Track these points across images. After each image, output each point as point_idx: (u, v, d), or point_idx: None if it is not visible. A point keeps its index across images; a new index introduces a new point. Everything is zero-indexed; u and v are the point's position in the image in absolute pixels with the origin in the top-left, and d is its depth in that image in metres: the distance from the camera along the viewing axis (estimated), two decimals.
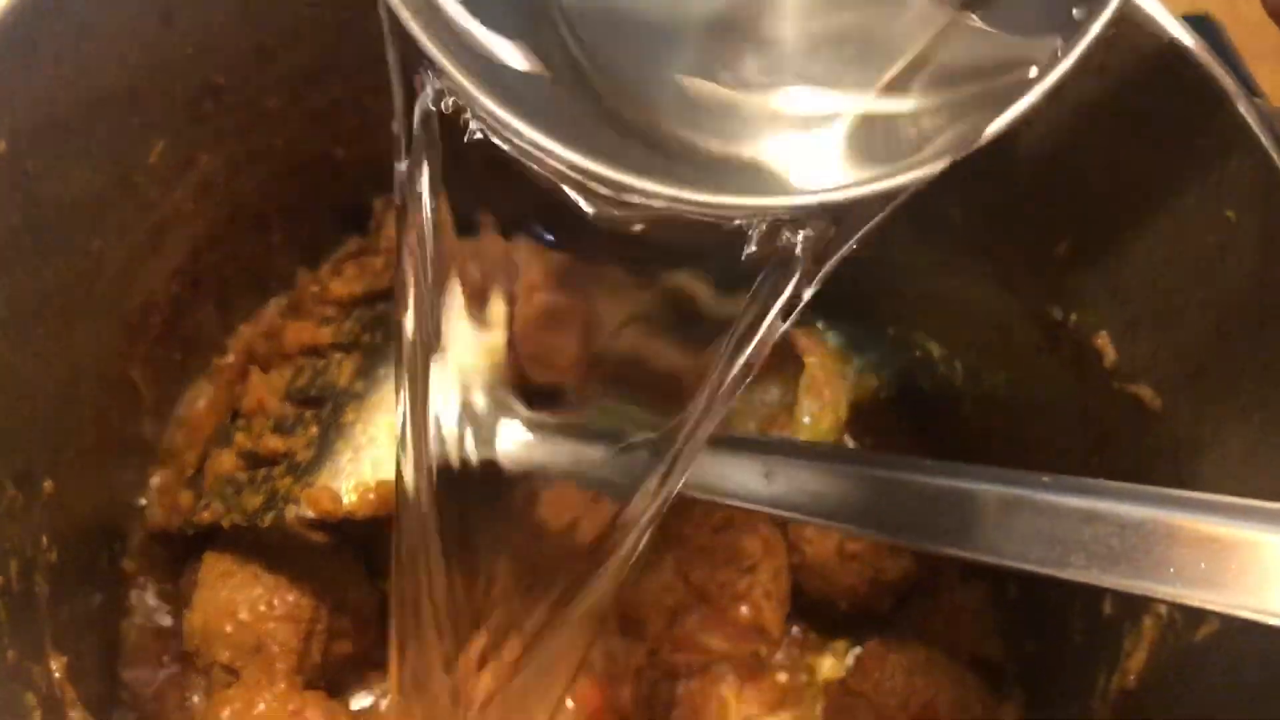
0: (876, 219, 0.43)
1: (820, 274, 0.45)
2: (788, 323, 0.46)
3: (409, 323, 0.54)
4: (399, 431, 0.57)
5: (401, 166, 0.51)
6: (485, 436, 0.63)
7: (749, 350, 0.49)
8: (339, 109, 0.82)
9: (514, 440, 0.63)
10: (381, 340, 0.76)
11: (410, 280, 0.54)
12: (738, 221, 0.43)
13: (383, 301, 0.79)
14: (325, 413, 0.76)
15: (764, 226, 0.44)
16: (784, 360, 0.85)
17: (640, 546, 0.57)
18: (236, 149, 0.77)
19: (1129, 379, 0.72)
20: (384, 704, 0.77)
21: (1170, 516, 0.52)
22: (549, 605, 0.62)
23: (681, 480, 0.54)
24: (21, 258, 0.64)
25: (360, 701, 0.77)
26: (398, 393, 0.56)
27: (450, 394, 0.59)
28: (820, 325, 0.92)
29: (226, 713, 0.71)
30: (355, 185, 0.87)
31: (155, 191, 0.73)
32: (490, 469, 0.64)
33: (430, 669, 0.65)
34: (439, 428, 0.59)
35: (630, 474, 0.57)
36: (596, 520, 0.60)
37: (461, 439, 0.61)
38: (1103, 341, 0.74)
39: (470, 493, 0.62)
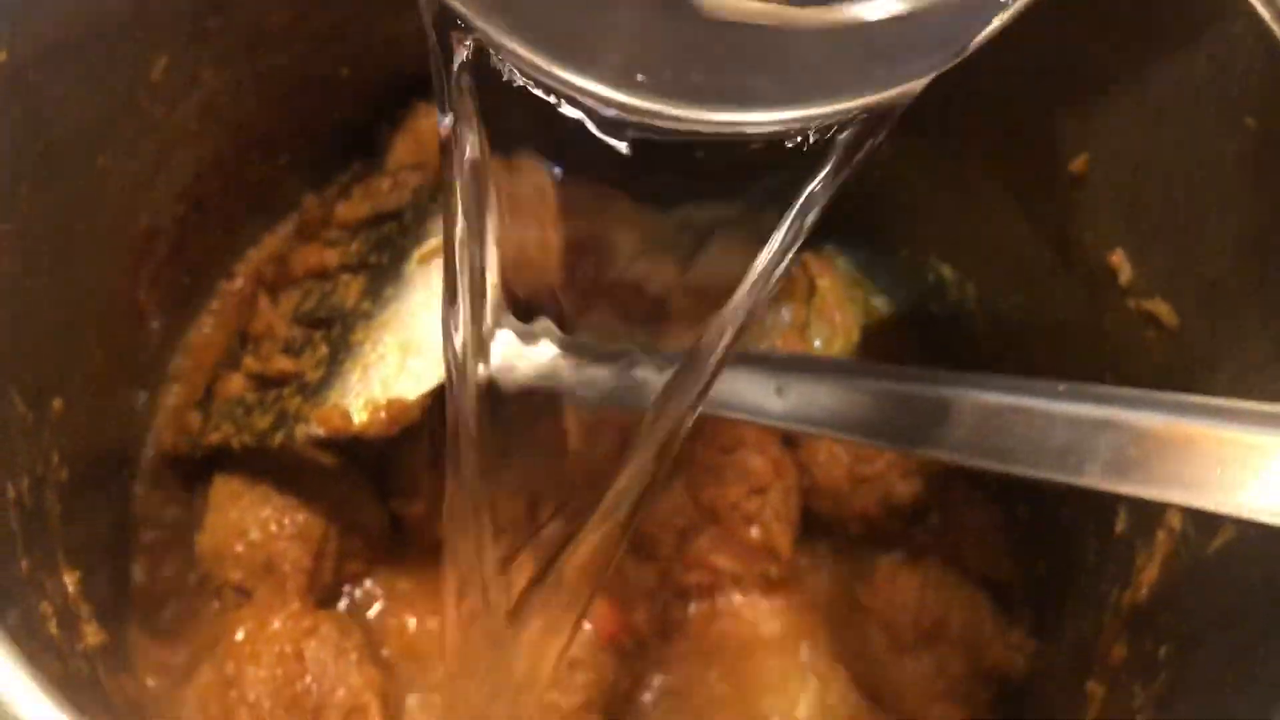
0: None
1: (853, 164, 0.43)
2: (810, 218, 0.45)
3: (458, 241, 0.54)
4: (447, 347, 0.56)
5: (445, 120, 0.51)
6: (519, 358, 0.63)
7: (779, 262, 0.48)
8: (344, 29, 0.81)
9: (545, 362, 0.63)
10: (389, 261, 0.76)
11: (458, 211, 0.53)
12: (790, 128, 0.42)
13: (389, 222, 0.78)
14: (334, 333, 0.75)
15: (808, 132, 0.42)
16: (795, 284, 0.84)
17: (665, 464, 0.56)
18: (240, 68, 0.76)
19: (1144, 295, 0.71)
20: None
21: (1186, 423, 0.52)
22: (582, 520, 0.61)
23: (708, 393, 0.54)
24: (26, 175, 0.63)
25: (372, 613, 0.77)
26: (445, 322, 0.56)
27: (489, 316, 0.59)
28: (832, 249, 0.91)
29: (240, 633, 0.71)
30: (361, 107, 0.86)
31: (159, 110, 0.72)
32: (524, 390, 0.64)
33: (472, 578, 0.64)
34: (478, 346, 0.58)
35: (660, 392, 0.57)
36: (623, 438, 0.60)
37: (499, 358, 0.61)
38: (1117, 259, 0.73)
39: (508, 411, 0.62)
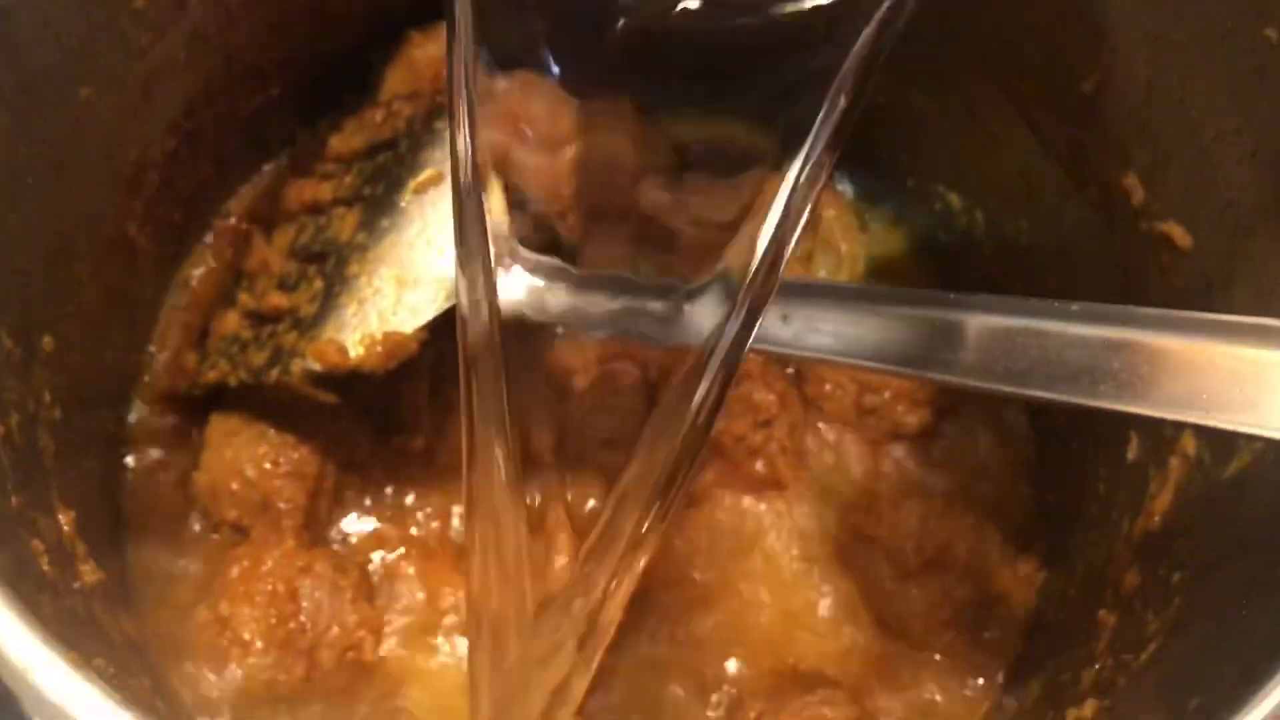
0: None
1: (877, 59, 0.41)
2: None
3: (463, 162, 0.52)
4: (458, 282, 0.55)
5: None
6: (529, 292, 0.62)
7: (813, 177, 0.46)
8: None
9: (555, 296, 0.62)
10: (384, 192, 0.74)
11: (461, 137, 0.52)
12: None
13: (383, 153, 0.76)
14: (329, 267, 0.74)
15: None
16: None
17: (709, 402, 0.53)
18: None
19: (1158, 217, 0.69)
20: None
21: (1204, 342, 0.50)
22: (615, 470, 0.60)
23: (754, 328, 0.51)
24: (6, 106, 0.61)
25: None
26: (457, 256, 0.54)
27: (495, 249, 0.57)
28: (837, 178, 0.90)
29: (235, 571, 0.70)
30: (354, 36, 0.84)
31: (144, 38, 0.70)
32: (537, 326, 0.63)
33: (500, 542, 0.63)
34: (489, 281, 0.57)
35: (689, 325, 0.56)
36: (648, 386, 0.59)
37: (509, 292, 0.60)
38: (1130, 181, 0.71)
39: (524, 349, 0.60)
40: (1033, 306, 0.54)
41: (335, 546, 0.75)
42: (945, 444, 0.81)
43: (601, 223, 0.78)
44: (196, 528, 0.74)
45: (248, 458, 0.73)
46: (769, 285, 0.48)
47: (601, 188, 0.71)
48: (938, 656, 0.74)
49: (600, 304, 0.61)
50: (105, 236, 0.73)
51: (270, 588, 0.69)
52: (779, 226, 0.46)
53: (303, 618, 0.68)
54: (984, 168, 0.83)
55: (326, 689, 0.69)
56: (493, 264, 0.56)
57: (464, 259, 0.53)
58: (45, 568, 0.56)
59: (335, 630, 0.68)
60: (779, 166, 0.48)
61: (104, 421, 0.75)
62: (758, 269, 0.47)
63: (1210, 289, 0.66)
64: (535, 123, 0.57)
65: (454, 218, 0.54)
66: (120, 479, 0.74)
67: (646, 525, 0.52)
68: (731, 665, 0.73)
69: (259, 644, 0.68)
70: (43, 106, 0.64)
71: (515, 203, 0.66)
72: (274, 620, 0.68)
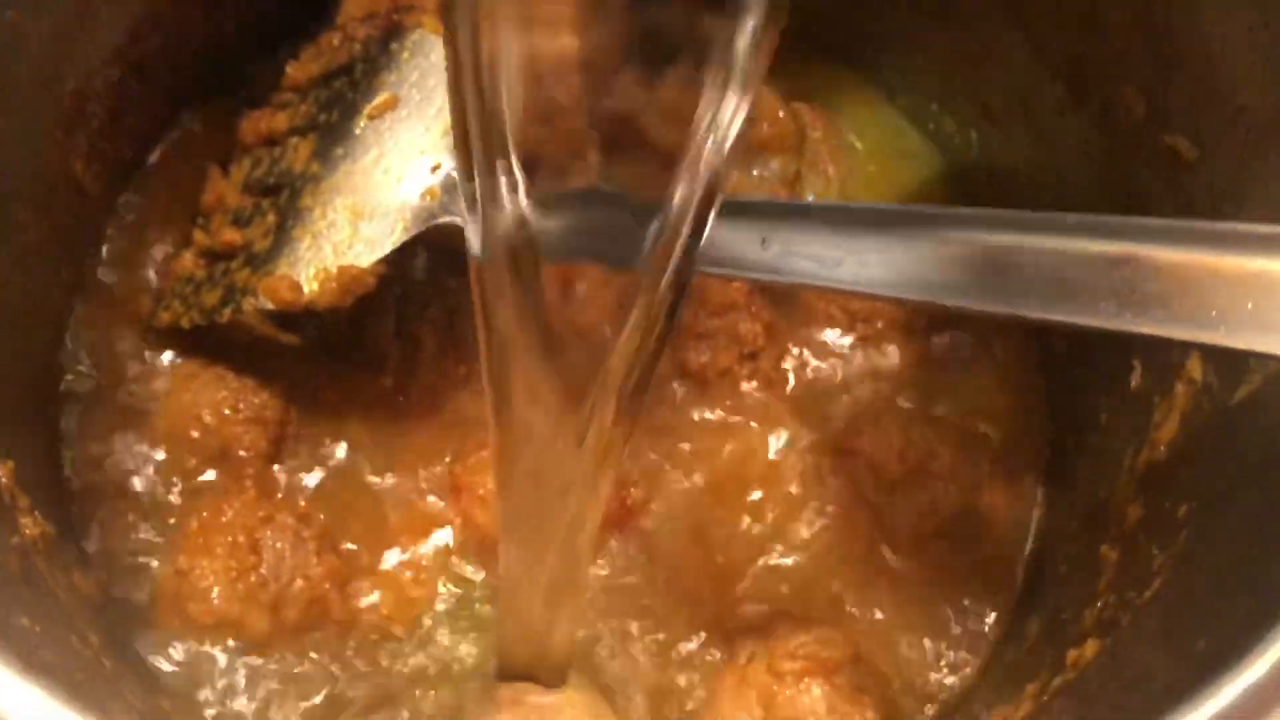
0: None
1: None
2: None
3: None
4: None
5: None
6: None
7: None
8: None
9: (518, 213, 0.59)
10: (338, 118, 0.70)
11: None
12: None
13: (339, 78, 0.72)
14: (282, 200, 0.70)
15: None
16: (785, 135, 0.78)
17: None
18: None
19: (1162, 130, 0.65)
20: None
21: (1212, 255, 0.46)
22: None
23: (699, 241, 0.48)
24: None
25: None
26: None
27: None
28: (822, 97, 0.85)
29: (195, 524, 0.67)
30: None
31: None
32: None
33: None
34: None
35: (643, 243, 0.52)
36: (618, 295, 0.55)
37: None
38: (1132, 93, 0.67)
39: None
40: (1027, 220, 0.50)
41: (301, 491, 0.72)
42: (933, 367, 0.77)
43: (558, 134, 0.75)
44: (153, 476, 0.70)
45: (207, 402, 0.70)
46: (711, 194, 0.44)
47: (557, 90, 0.67)
48: (932, 583, 0.71)
49: (556, 222, 0.58)
50: (48, 172, 0.69)
51: (230, 539, 0.66)
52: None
53: (264, 570, 0.65)
54: (977, 85, 0.79)
55: (293, 642, 0.66)
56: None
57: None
58: None
59: (299, 583, 0.65)
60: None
61: (47, 363, 0.70)
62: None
63: (1219, 204, 0.62)
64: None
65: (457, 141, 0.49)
66: (63, 425, 0.70)
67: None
68: (721, 600, 0.70)
69: (219, 599, 0.64)
70: None
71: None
72: (234, 573, 0.65)
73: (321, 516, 0.69)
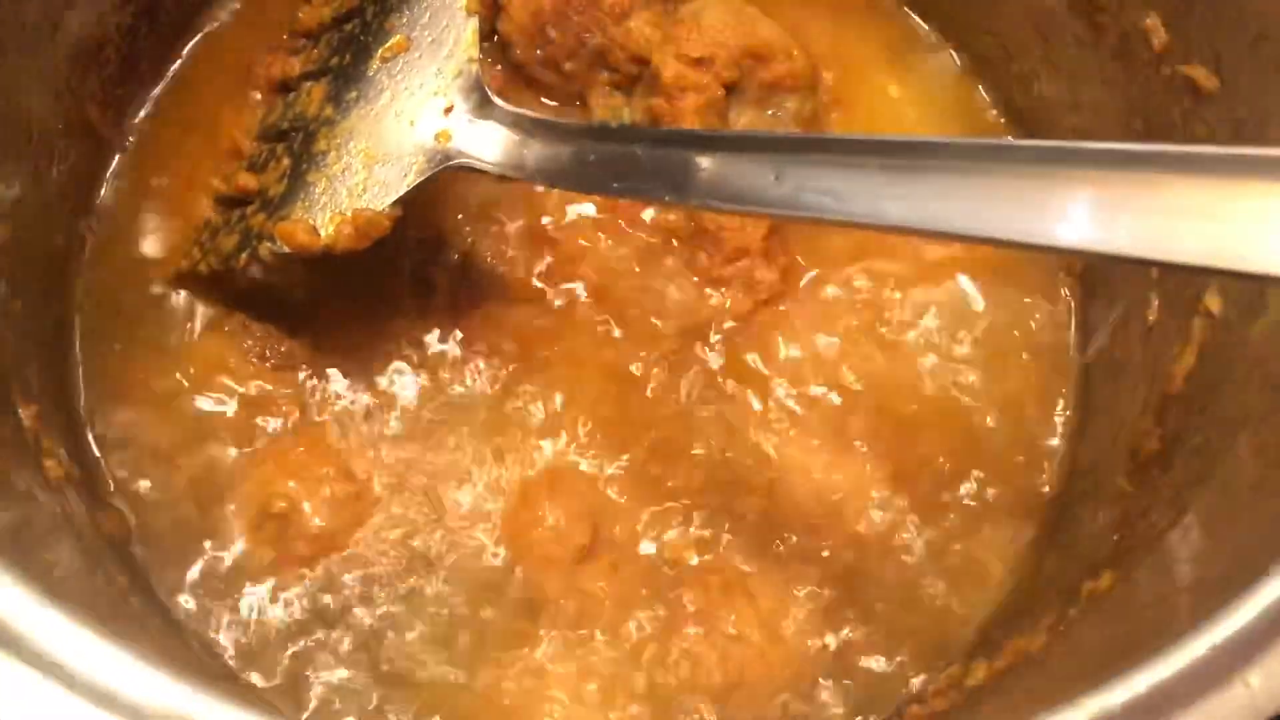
0: None
1: None
2: None
3: None
4: None
5: None
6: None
7: None
8: None
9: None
10: (351, 61, 0.70)
11: None
12: None
13: (351, 20, 0.72)
14: (296, 144, 0.70)
15: None
16: (799, 70, 0.77)
17: None
18: None
19: (1181, 60, 0.64)
20: None
21: (1229, 180, 0.46)
22: None
23: None
24: None
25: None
26: None
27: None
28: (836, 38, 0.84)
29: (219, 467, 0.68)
30: None
31: None
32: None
33: None
34: None
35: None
36: None
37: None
38: (1152, 22, 0.66)
39: None
40: (1044, 152, 0.50)
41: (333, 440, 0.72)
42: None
43: (582, 64, 0.75)
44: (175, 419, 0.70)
45: (232, 352, 0.70)
46: None
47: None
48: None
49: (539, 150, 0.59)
50: (63, 119, 0.69)
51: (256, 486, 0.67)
52: None
53: (283, 504, 0.66)
54: (995, 20, 0.78)
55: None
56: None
57: None
58: None
59: (316, 523, 0.66)
60: None
61: (64, 310, 0.71)
62: None
63: (1240, 135, 0.61)
64: None
65: None
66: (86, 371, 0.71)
67: None
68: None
69: (242, 533, 0.65)
70: None
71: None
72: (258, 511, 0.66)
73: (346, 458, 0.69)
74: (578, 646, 0.67)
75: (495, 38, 0.77)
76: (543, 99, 0.78)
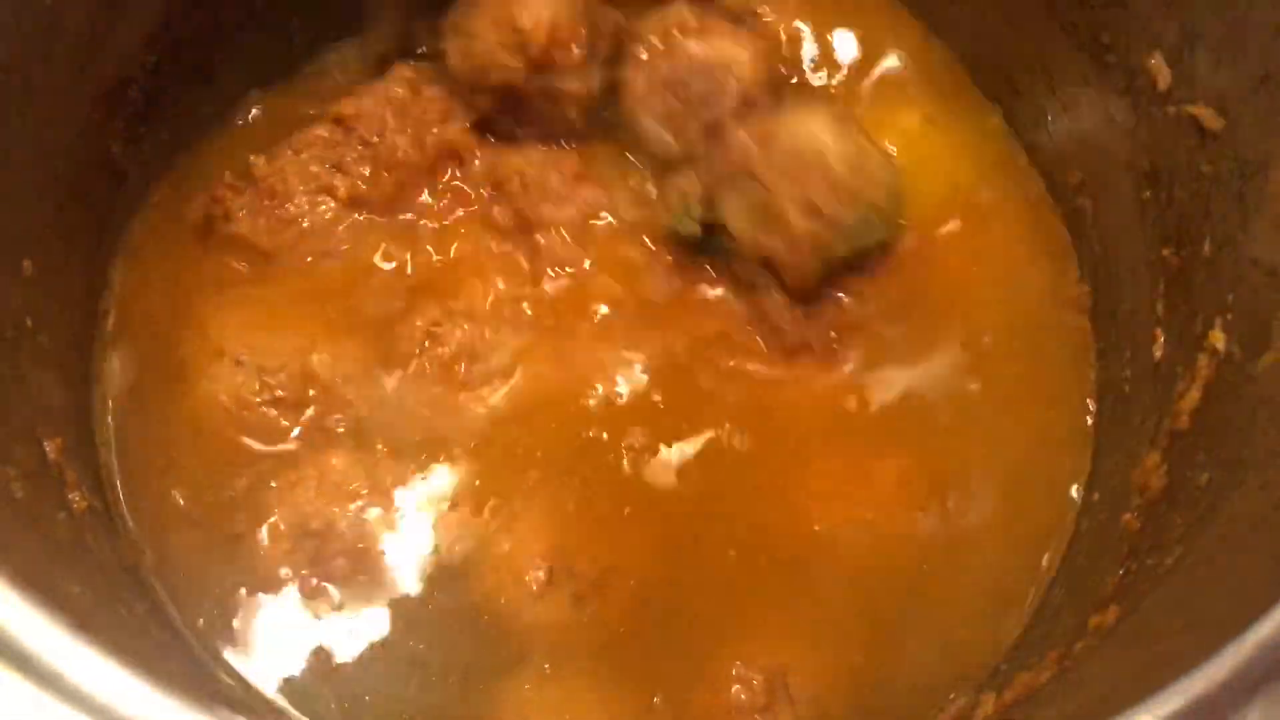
0: None
1: None
2: None
3: None
4: None
5: None
6: None
7: None
8: None
9: None
10: None
11: None
12: None
13: None
14: None
15: None
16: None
17: None
18: None
19: (1185, 100, 0.65)
20: None
21: None
22: None
23: None
24: None
25: None
26: None
27: None
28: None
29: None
30: None
31: None
32: None
33: None
34: None
35: None
36: None
37: None
38: (1156, 63, 0.67)
39: None
40: None
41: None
42: None
43: None
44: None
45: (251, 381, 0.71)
46: None
47: None
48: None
49: None
50: (87, 157, 0.70)
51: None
52: None
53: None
54: (1001, 58, 0.79)
55: None
56: None
57: None
58: (19, 495, 0.54)
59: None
60: None
61: (89, 348, 0.72)
62: None
63: (1244, 174, 0.62)
64: None
65: None
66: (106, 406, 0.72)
67: None
68: None
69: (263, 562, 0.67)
70: (7, 16, 0.61)
71: None
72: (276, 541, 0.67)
73: None
74: None
75: None
76: None
